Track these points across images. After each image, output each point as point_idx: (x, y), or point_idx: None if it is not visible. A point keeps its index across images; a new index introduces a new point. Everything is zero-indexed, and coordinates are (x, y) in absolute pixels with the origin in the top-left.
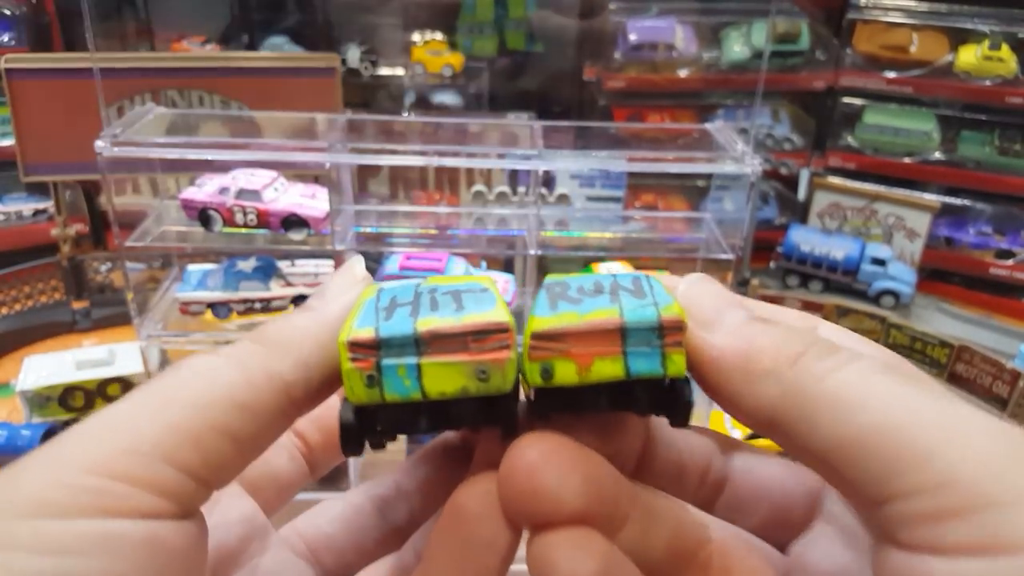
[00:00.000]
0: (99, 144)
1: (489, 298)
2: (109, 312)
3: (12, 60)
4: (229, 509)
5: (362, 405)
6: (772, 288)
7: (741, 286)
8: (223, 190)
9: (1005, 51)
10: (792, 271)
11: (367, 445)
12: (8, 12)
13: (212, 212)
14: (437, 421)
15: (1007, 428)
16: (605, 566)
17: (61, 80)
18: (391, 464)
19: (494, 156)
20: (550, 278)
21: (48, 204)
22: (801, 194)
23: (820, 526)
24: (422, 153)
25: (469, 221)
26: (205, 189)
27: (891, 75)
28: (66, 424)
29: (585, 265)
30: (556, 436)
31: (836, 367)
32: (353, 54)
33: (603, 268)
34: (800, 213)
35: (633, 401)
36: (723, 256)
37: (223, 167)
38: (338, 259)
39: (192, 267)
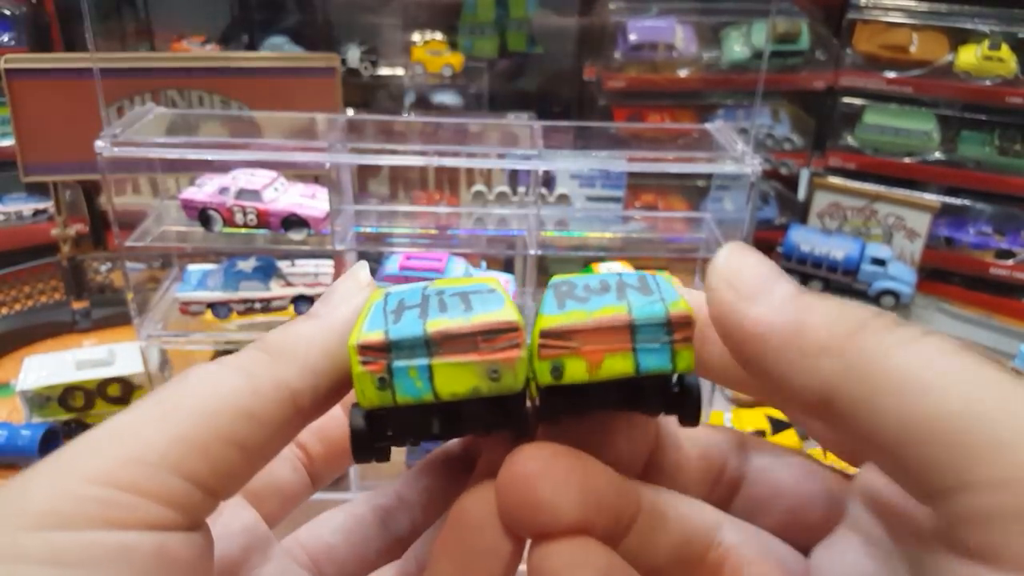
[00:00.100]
0: (99, 144)
1: (497, 298)
2: (109, 312)
3: (12, 60)
4: (231, 519)
5: (373, 410)
6: None
7: None
8: (223, 190)
9: (1005, 51)
10: (792, 271)
11: (375, 454)
12: (8, 12)
13: (212, 212)
14: (448, 425)
15: None
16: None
17: (61, 80)
18: (391, 467)
19: (494, 156)
20: (556, 278)
21: (48, 204)
22: (801, 194)
23: (843, 532)
24: (422, 153)
25: (469, 221)
26: (205, 189)
27: (891, 75)
28: (66, 424)
29: (585, 265)
30: (554, 446)
31: (903, 342)
32: (353, 54)
33: (603, 268)
34: (800, 213)
35: (643, 400)
36: None
37: (223, 167)
38: (338, 259)
39: (192, 267)
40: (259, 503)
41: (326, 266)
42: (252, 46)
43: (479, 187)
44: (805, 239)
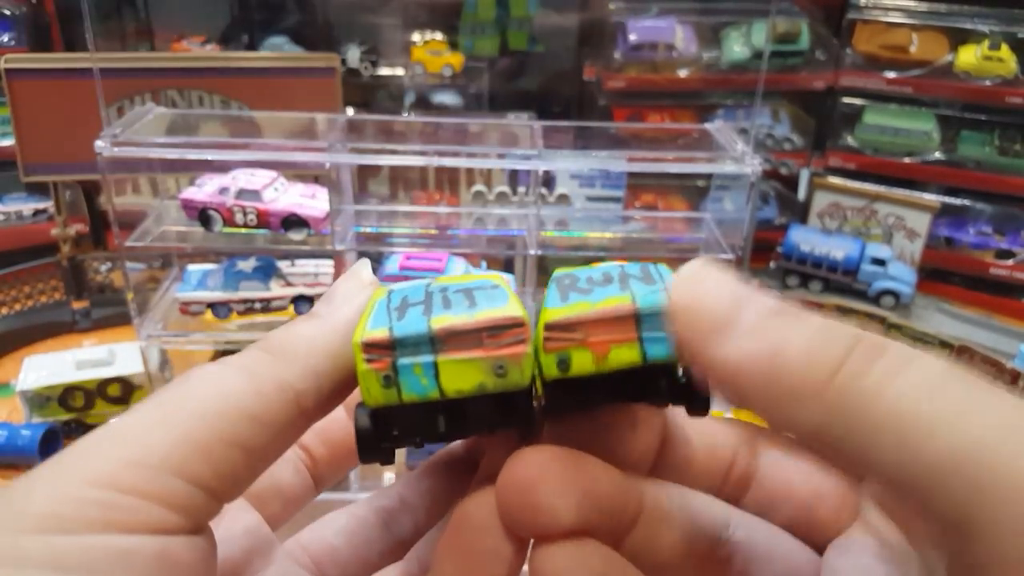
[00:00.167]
0: (99, 144)
1: (501, 294)
2: (109, 312)
3: (12, 60)
4: (234, 522)
5: (378, 409)
6: (772, 288)
7: None
8: (223, 190)
9: (1005, 51)
10: (792, 271)
11: (381, 454)
12: (8, 12)
13: (212, 212)
14: (454, 423)
15: None
16: None
17: (61, 80)
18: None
19: (494, 156)
20: (558, 271)
21: (48, 204)
22: (801, 194)
23: (858, 534)
24: (422, 153)
25: (469, 221)
26: (205, 189)
27: (891, 75)
28: (66, 424)
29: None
30: (553, 448)
31: (889, 375)
32: (353, 54)
33: None
34: (800, 213)
35: (650, 391)
36: (723, 256)
37: (223, 167)
38: (338, 259)
39: (192, 267)
40: (261, 505)
41: (326, 266)
42: (252, 46)
43: (479, 187)
44: (805, 239)
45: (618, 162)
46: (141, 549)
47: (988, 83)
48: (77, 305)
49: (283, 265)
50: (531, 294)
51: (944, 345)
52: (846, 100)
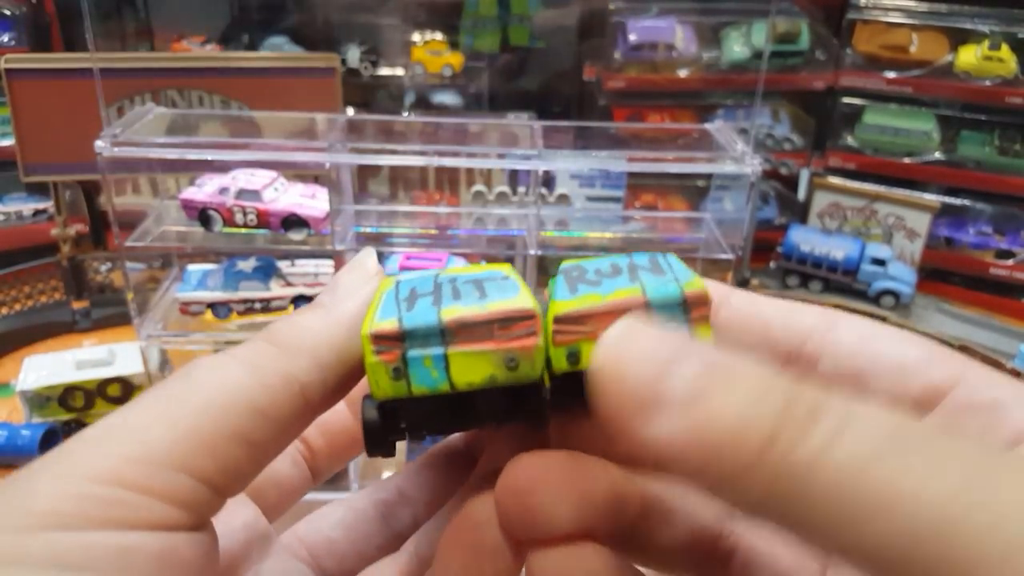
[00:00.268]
0: (99, 144)
1: (512, 285)
2: (109, 312)
3: (12, 60)
4: (232, 515)
5: (386, 401)
6: (772, 288)
7: (741, 286)
8: (223, 190)
9: (1005, 51)
10: (792, 271)
11: (382, 448)
12: (8, 12)
13: (212, 212)
14: (463, 416)
15: None
16: None
17: (61, 80)
18: (391, 463)
19: (494, 156)
20: (566, 263)
21: (48, 204)
22: (801, 194)
23: None
24: (422, 153)
25: (469, 221)
26: (205, 189)
27: (891, 75)
28: (66, 424)
29: None
30: (551, 453)
31: (827, 443)
32: (353, 54)
33: None
34: (800, 213)
35: None
36: (723, 256)
37: (223, 167)
38: (338, 259)
39: (192, 267)
40: (259, 497)
41: (326, 266)
42: (252, 46)
43: (479, 187)
44: (805, 239)
45: (618, 162)
46: (144, 546)
47: (988, 83)
48: (77, 305)
49: (283, 265)
50: (531, 294)
51: (944, 345)
52: (846, 100)
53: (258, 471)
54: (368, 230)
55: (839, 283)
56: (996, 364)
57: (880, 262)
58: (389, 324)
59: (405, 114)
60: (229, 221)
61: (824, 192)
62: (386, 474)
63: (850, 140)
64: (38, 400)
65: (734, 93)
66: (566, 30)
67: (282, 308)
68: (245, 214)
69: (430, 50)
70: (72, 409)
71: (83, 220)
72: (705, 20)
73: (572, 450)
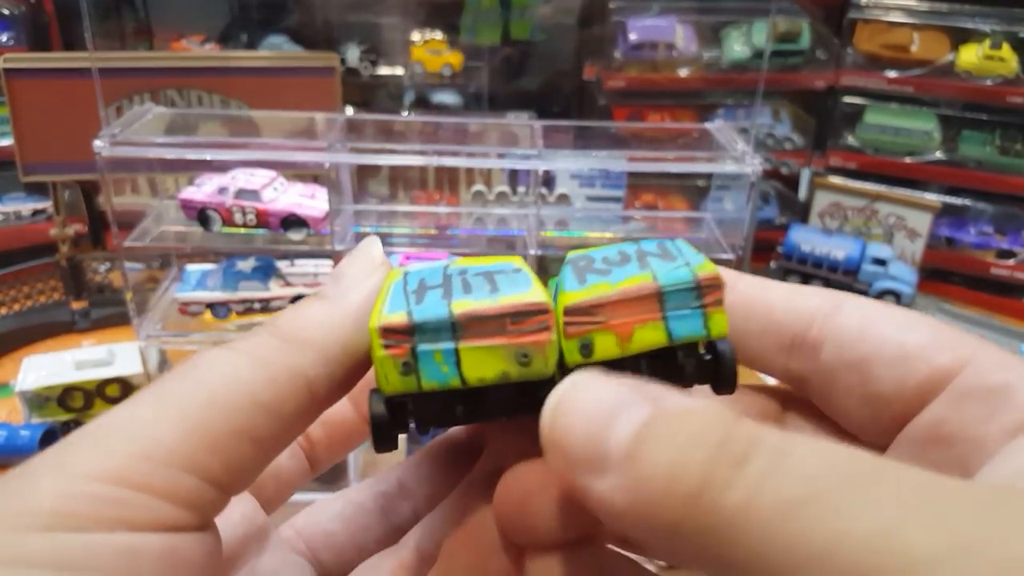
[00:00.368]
0: (98, 144)
1: (524, 278)
2: (108, 312)
3: (11, 60)
4: (229, 508)
5: (394, 396)
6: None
7: None
8: (222, 190)
9: (1006, 51)
10: (793, 271)
11: (389, 443)
12: (7, 12)
13: (211, 212)
14: (473, 411)
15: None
16: None
17: (60, 80)
18: (391, 457)
19: (494, 156)
20: (572, 253)
21: (47, 204)
22: (802, 194)
23: None
24: (422, 153)
25: (469, 221)
26: (204, 189)
27: (892, 75)
28: (65, 425)
29: None
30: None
31: (753, 488)
32: (352, 53)
33: None
34: (801, 213)
35: (675, 372)
36: (723, 256)
37: (222, 167)
38: (337, 259)
39: (191, 267)
40: (257, 490)
41: (325, 266)
42: (251, 45)
43: (479, 187)
44: (806, 239)
45: (618, 162)
46: (149, 548)
47: (989, 83)
48: (76, 305)
49: (282, 265)
50: None
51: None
52: (847, 100)
53: (262, 468)
54: (368, 230)
55: (840, 283)
56: None
57: (881, 262)
58: (398, 317)
59: (405, 114)
60: (228, 221)
61: (825, 192)
62: None
63: (851, 140)
64: (37, 400)
65: (734, 93)
66: (567, 22)
67: (281, 308)
68: (244, 214)
69: (430, 49)
70: (71, 409)
71: (82, 220)
72: (705, 19)
73: None
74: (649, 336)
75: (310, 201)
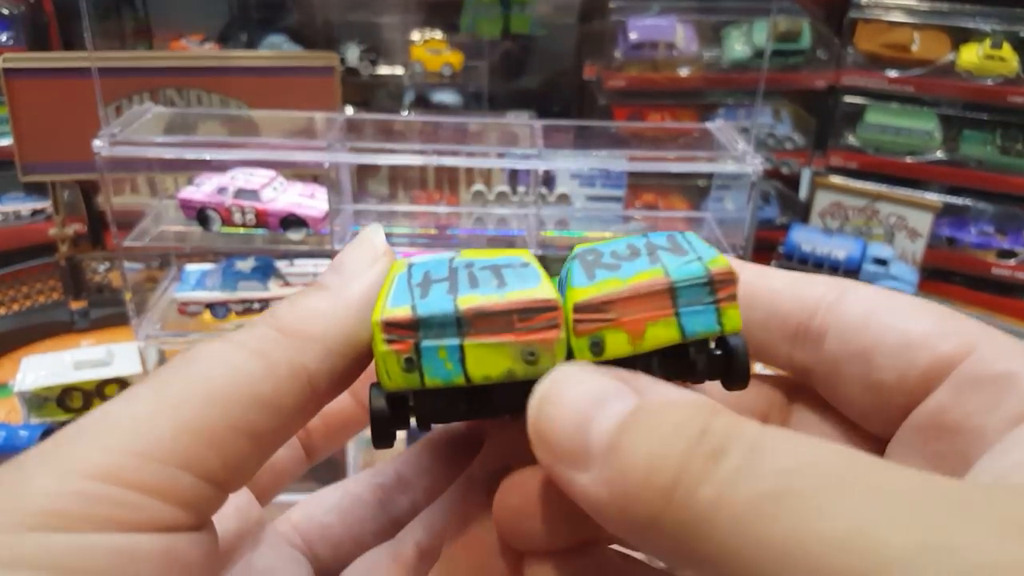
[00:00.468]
0: (97, 144)
1: (533, 273)
2: (107, 312)
3: (10, 60)
4: (225, 503)
5: (396, 392)
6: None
7: None
8: (221, 190)
9: (1007, 50)
10: (793, 271)
11: (389, 439)
12: (6, 11)
13: (210, 212)
14: (476, 408)
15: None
16: None
17: (59, 79)
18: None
19: (494, 156)
20: (580, 247)
21: (46, 204)
22: (802, 194)
23: None
24: (422, 152)
25: (469, 221)
26: (203, 189)
27: (893, 74)
28: (64, 425)
29: None
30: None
31: (727, 484)
32: (352, 53)
33: None
34: (801, 213)
35: (687, 368)
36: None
37: (221, 166)
38: None
39: (190, 267)
40: (252, 482)
41: (325, 266)
42: (251, 45)
43: (479, 187)
44: (807, 239)
45: (618, 161)
46: (144, 548)
47: (990, 82)
48: (75, 305)
49: (282, 265)
50: None
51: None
52: (847, 99)
53: (261, 465)
54: None
55: None
56: None
57: (882, 262)
58: (402, 311)
59: (404, 113)
60: (227, 221)
61: (825, 191)
62: None
63: (852, 139)
64: (36, 401)
65: (735, 92)
66: (567, 21)
67: None
68: (244, 214)
69: (430, 49)
70: (70, 410)
71: (81, 220)
72: (706, 19)
73: None
74: (662, 333)
75: (309, 201)
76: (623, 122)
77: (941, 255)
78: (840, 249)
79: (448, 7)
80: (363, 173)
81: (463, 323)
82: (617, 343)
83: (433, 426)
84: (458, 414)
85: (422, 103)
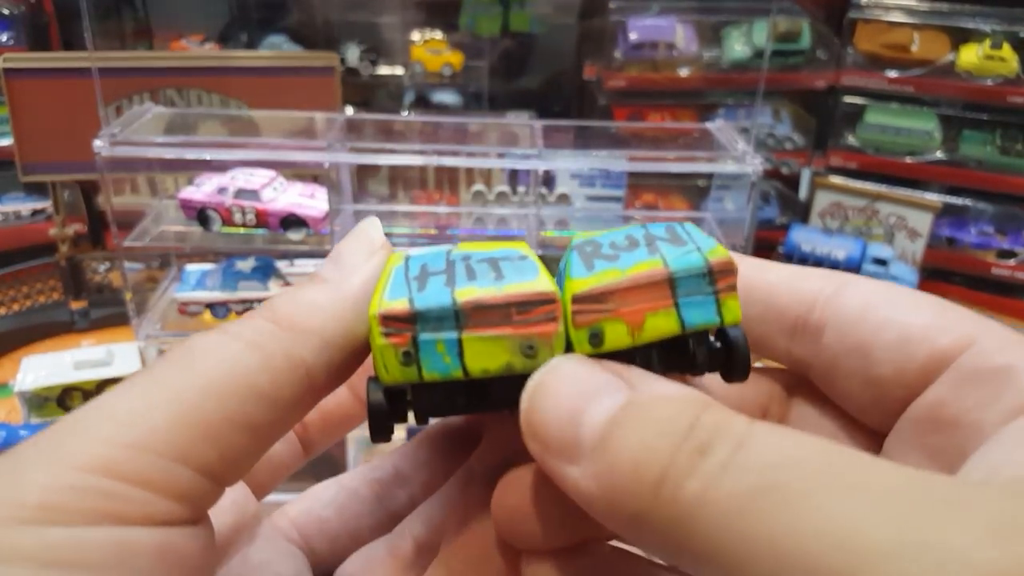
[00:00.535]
0: (97, 144)
1: (530, 266)
2: (107, 312)
3: (10, 60)
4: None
5: (394, 386)
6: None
7: None
8: (222, 190)
9: (1006, 50)
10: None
11: (386, 433)
12: (7, 12)
13: (211, 212)
14: (474, 402)
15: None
16: None
17: (60, 80)
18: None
19: (494, 156)
20: (578, 238)
21: (46, 204)
22: (802, 194)
23: None
24: (422, 152)
25: (469, 221)
26: (204, 189)
27: (892, 74)
28: None
29: None
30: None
31: (712, 478)
32: (352, 53)
33: None
34: (801, 213)
35: (687, 360)
36: None
37: (221, 166)
38: None
39: (190, 267)
40: (248, 475)
41: None
42: (251, 45)
43: (479, 187)
44: (806, 239)
45: (618, 161)
46: (140, 542)
47: (990, 82)
48: (75, 305)
49: (282, 265)
50: None
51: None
52: (847, 99)
53: (258, 458)
54: None
55: None
56: None
57: (882, 262)
58: (400, 304)
59: (404, 113)
60: (228, 221)
61: (825, 192)
62: None
63: (851, 139)
64: (36, 401)
65: (735, 92)
66: (567, 22)
67: None
68: (244, 214)
69: (430, 49)
70: (70, 410)
71: (81, 220)
72: (706, 19)
73: None
74: (661, 324)
75: (310, 201)
76: (623, 122)
77: (941, 255)
78: (840, 249)
79: (448, 7)
80: (363, 173)
81: (461, 316)
82: (616, 334)
83: (431, 420)
84: (456, 408)
85: (422, 103)
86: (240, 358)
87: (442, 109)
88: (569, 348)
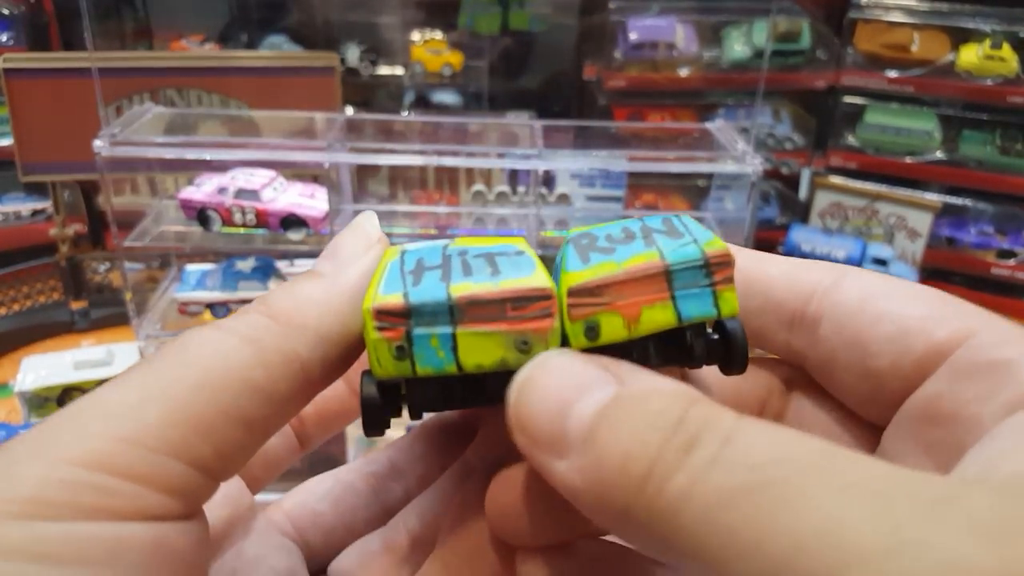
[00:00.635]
0: (97, 144)
1: (527, 261)
2: (108, 312)
3: (10, 60)
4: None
5: (388, 380)
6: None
7: None
8: (222, 190)
9: (1006, 50)
10: (791, 258)
11: (380, 427)
12: (6, 12)
13: (211, 212)
14: (469, 397)
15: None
16: None
17: (59, 80)
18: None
19: (494, 156)
20: (574, 231)
21: (46, 204)
22: (802, 194)
23: None
24: (422, 153)
25: (469, 221)
26: (204, 189)
27: (892, 74)
28: None
29: None
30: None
31: (698, 473)
32: (352, 53)
33: None
34: (801, 213)
35: (685, 353)
36: None
37: (221, 166)
38: None
39: (191, 267)
40: (244, 470)
41: None
42: (251, 45)
43: (479, 187)
44: (806, 239)
45: (618, 161)
46: (133, 537)
47: (990, 82)
48: (75, 305)
49: (282, 265)
50: None
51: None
52: (847, 99)
53: (253, 453)
54: None
55: None
56: None
57: (882, 262)
58: (394, 299)
59: (404, 113)
60: (228, 221)
61: (825, 192)
62: None
63: (851, 139)
64: (36, 401)
65: (735, 92)
66: (566, 17)
67: None
68: (244, 214)
69: (430, 49)
70: None
71: (81, 220)
72: (706, 19)
73: None
74: (658, 316)
75: (310, 201)
76: (623, 122)
77: (941, 255)
78: (840, 249)
79: (448, 7)
80: (363, 173)
81: (456, 311)
82: (612, 327)
83: (425, 414)
84: (450, 403)
85: (422, 103)
86: (234, 352)
87: (442, 109)
88: (565, 342)
